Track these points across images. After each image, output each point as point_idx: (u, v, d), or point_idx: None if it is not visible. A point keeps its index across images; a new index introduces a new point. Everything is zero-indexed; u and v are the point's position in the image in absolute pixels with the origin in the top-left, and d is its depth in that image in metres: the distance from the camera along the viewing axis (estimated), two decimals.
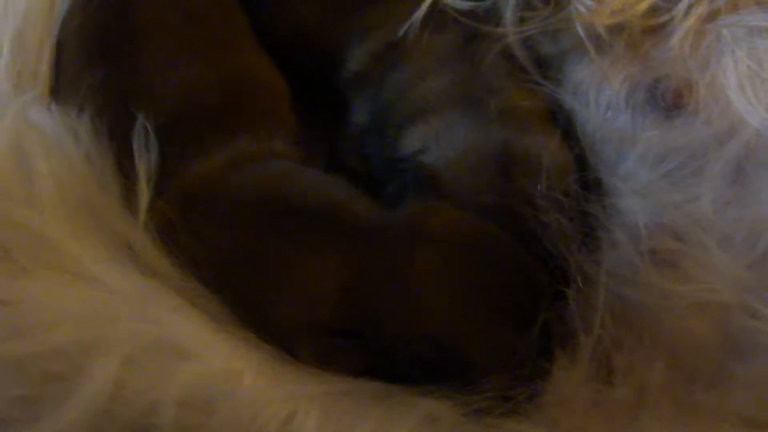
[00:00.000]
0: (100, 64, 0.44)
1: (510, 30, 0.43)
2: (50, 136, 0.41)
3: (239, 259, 0.40)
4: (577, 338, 0.39)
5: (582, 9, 0.41)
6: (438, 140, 0.44)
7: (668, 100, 0.41)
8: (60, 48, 0.46)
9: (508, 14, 0.43)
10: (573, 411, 0.39)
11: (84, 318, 0.36)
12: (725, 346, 0.40)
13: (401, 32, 0.47)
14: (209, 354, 0.37)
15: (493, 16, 0.45)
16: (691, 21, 0.39)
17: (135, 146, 0.41)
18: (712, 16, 0.40)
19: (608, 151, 0.43)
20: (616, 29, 0.41)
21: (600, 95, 0.43)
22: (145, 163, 0.41)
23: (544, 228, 0.40)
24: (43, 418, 0.34)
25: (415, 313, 0.38)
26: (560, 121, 0.46)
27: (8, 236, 0.37)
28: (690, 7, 0.40)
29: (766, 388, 0.38)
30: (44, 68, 0.45)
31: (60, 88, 0.45)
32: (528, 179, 0.41)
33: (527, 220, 0.40)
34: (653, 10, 0.41)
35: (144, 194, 0.40)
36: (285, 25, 0.50)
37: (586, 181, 0.44)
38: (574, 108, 0.45)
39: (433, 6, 0.46)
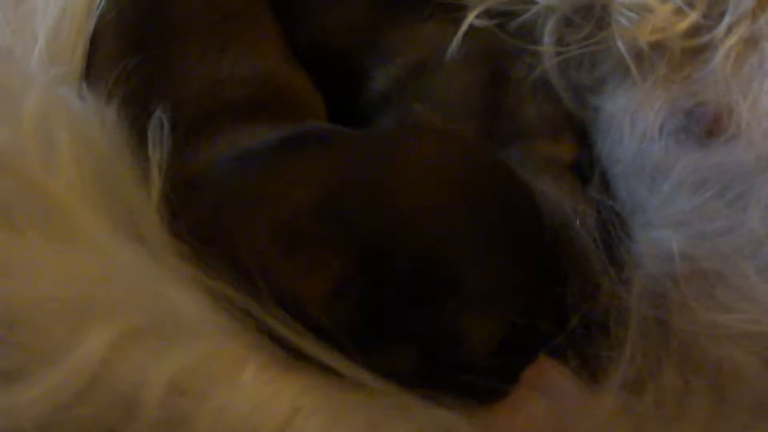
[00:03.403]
0: (131, 55, 0.44)
1: (549, 51, 0.43)
2: (76, 114, 0.40)
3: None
4: (608, 357, 0.37)
5: (624, 22, 0.40)
6: None
7: (705, 126, 0.40)
8: (94, 40, 0.46)
9: (548, 30, 0.42)
10: None
11: (84, 285, 0.34)
12: (765, 379, 0.38)
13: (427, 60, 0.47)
14: (213, 335, 0.34)
15: (528, 35, 0.44)
16: (732, 41, 0.39)
17: (150, 137, 0.40)
18: (753, 36, 0.40)
19: (642, 182, 0.42)
20: (658, 49, 0.41)
21: (635, 125, 0.42)
22: (158, 153, 0.40)
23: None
24: (27, 376, 0.32)
25: (399, 211, 0.34)
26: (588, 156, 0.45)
27: (17, 195, 0.36)
28: (731, 27, 0.39)
29: None
30: (78, 58, 0.45)
31: (91, 76, 0.45)
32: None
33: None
34: (694, 29, 0.40)
35: (155, 183, 0.39)
36: (312, 43, 0.50)
37: (616, 214, 0.43)
38: (606, 141, 0.44)
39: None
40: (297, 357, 0.34)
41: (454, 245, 0.35)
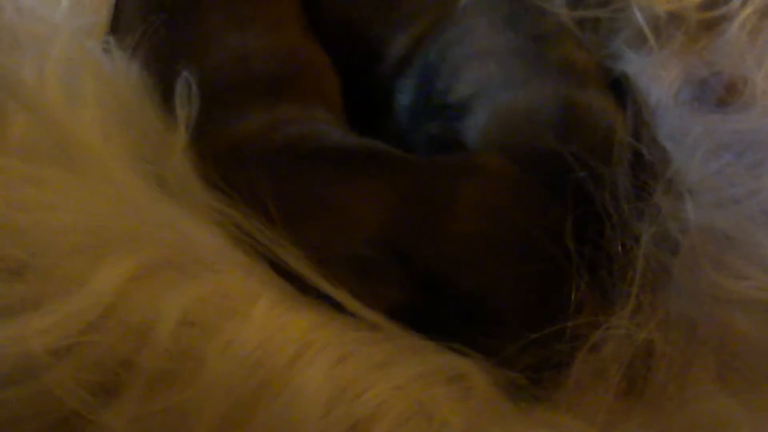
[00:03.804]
0: (157, 19, 0.45)
1: (565, 12, 0.43)
2: (101, 62, 0.41)
3: (271, 196, 0.37)
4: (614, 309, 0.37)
5: None
6: (494, 82, 0.43)
7: (720, 93, 0.40)
8: (120, 4, 0.48)
9: None
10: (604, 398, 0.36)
11: (103, 218, 0.34)
12: None
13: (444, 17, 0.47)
14: (226, 270, 0.34)
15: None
16: (748, 12, 0.40)
17: (177, 97, 0.41)
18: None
19: (656, 150, 0.42)
20: (674, 20, 0.42)
21: (650, 92, 0.43)
22: (186, 110, 0.40)
23: (595, 185, 0.37)
24: (44, 306, 0.33)
25: (455, 246, 0.36)
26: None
27: (39, 132, 0.36)
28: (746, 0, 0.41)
29: None
30: (103, 14, 0.46)
31: (115, 32, 0.46)
32: (586, 134, 0.40)
33: (578, 174, 0.38)
34: (710, 1, 0.41)
35: (182, 135, 0.39)
36: (330, 20, 0.51)
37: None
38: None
39: None
40: (310, 295, 0.34)
41: (502, 281, 0.37)
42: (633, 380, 0.37)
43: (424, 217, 0.37)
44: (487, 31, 0.45)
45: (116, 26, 0.47)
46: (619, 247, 0.36)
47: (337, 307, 0.34)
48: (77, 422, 0.32)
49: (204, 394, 0.32)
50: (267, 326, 0.33)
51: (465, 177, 0.38)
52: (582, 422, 0.36)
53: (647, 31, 0.42)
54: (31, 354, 0.32)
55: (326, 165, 0.39)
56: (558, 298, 0.36)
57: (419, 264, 0.36)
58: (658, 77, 0.42)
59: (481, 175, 0.38)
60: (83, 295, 0.33)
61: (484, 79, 0.43)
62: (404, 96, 0.48)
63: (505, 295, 0.36)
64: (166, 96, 0.42)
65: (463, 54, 0.45)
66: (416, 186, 0.38)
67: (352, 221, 0.37)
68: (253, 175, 0.39)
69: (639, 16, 0.42)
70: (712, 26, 0.41)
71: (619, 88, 0.43)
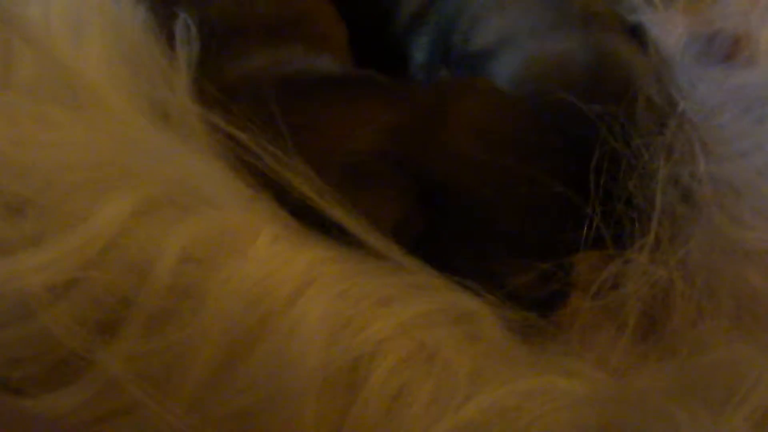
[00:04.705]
0: None
1: None
2: (107, 1, 0.40)
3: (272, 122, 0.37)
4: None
5: None
6: (518, 32, 0.42)
7: (725, 49, 0.40)
8: None
9: None
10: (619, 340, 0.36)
11: (106, 155, 0.34)
12: None
13: None
14: (228, 205, 0.33)
15: None
16: None
17: (177, 37, 0.41)
18: None
19: (662, 105, 0.42)
20: None
21: (657, 49, 0.42)
22: (186, 51, 0.40)
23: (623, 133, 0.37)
24: (46, 241, 0.32)
25: (453, 159, 0.36)
26: None
27: (43, 69, 0.36)
28: None
29: None
30: None
31: None
32: (617, 78, 0.39)
33: (606, 123, 0.37)
34: None
35: (183, 75, 0.39)
36: None
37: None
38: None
39: None
40: (317, 226, 0.34)
41: (499, 195, 0.37)
42: (650, 322, 0.37)
43: (421, 132, 0.37)
44: None
45: None
46: (637, 182, 0.36)
47: (342, 234, 0.34)
48: (77, 364, 0.32)
49: (203, 332, 0.31)
50: (268, 262, 0.32)
51: (457, 95, 0.38)
52: (595, 367, 0.35)
53: None
54: (29, 291, 0.31)
55: (325, 91, 0.39)
56: (564, 224, 0.36)
57: (418, 173, 0.36)
58: (666, 34, 0.42)
59: (473, 93, 0.38)
60: (83, 231, 0.32)
61: (509, 27, 0.43)
62: (420, 54, 0.48)
63: (506, 213, 0.36)
64: (170, 38, 0.41)
65: (482, 5, 0.45)
66: (413, 106, 0.37)
67: (350, 135, 0.36)
68: (252, 107, 0.38)
69: None
70: None
71: (637, 35, 0.42)
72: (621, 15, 0.43)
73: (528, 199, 0.36)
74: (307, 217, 0.34)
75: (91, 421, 0.32)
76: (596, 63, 0.41)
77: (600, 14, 0.43)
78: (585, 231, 0.35)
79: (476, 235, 0.36)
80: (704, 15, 0.41)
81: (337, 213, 0.33)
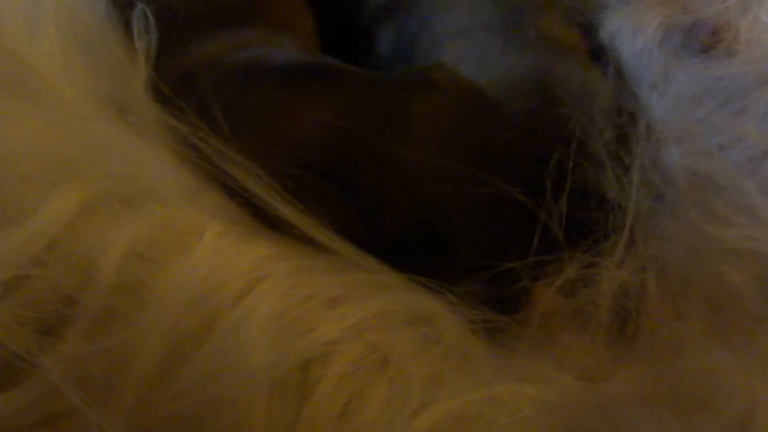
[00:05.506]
0: None
1: None
2: None
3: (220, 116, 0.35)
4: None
5: None
6: (468, 62, 0.41)
7: (704, 40, 0.38)
8: None
9: None
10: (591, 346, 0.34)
11: (55, 149, 0.32)
12: (762, 297, 0.35)
13: None
14: (175, 201, 0.32)
15: None
16: None
17: (135, 28, 0.39)
18: None
19: (641, 98, 0.40)
20: None
21: (635, 41, 0.41)
22: (144, 41, 0.39)
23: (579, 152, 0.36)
24: None
25: (403, 171, 0.34)
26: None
27: None
28: None
29: None
30: None
31: None
32: (566, 106, 0.38)
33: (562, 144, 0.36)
34: None
35: (142, 68, 0.38)
36: None
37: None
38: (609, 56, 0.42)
39: None
40: (265, 221, 0.32)
41: (452, 207, 0.35)
42: (623, 323, 0.35)
43: (371, 138, 0.35)
44: (467, 10, 0.44)
45: None
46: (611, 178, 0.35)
47: (291, 229, 0.32)
48: (18, 367, 0.30)
49: (146, 332, 0.30)
50: (214, 259, 0.31)
51: (418, 95, 0.36)
52: (564, 373, 0.34)
53: None
54: None
55: (274, 82, 0.37)
56: (518, 228, 0.34)
57: (362, 188, 0.34)
58: (643, 24, 0.40)
59: (435, 92, 0.36)
60: (26, 227, 0.31)
61: (461, 58, 0.41)
62: (384, 47, 0.46)
63: (456, 222, 0.34)
64: (128, 27, 0.40)
65: (442, 31, 0.44)
66: (366, 104, 0.36)
67: (292, 139, 0.35)
68: (203, 99, 0.37)
69: None
70: None
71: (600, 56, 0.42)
72: (585, 33, 0.43)
73: (486, 204, 0.35)
74: (256, 212, 0.32)
75: (30, 426, 0.30)
76: (542, 88, 0.40)
77: (556, 38, 0.42)
78: (556, 228, 0.34)
79: (425, 248, 0.34)
80: (682, 4, 0.40)
81: (284, 209, 0.32)
